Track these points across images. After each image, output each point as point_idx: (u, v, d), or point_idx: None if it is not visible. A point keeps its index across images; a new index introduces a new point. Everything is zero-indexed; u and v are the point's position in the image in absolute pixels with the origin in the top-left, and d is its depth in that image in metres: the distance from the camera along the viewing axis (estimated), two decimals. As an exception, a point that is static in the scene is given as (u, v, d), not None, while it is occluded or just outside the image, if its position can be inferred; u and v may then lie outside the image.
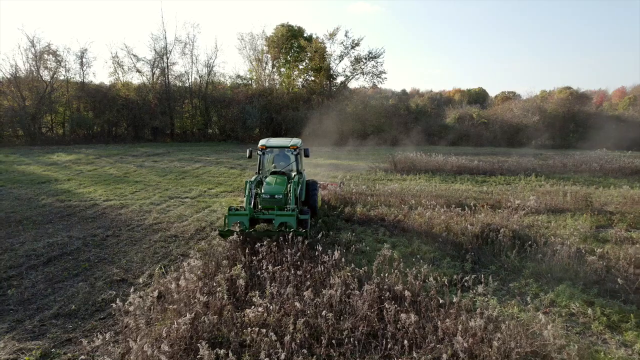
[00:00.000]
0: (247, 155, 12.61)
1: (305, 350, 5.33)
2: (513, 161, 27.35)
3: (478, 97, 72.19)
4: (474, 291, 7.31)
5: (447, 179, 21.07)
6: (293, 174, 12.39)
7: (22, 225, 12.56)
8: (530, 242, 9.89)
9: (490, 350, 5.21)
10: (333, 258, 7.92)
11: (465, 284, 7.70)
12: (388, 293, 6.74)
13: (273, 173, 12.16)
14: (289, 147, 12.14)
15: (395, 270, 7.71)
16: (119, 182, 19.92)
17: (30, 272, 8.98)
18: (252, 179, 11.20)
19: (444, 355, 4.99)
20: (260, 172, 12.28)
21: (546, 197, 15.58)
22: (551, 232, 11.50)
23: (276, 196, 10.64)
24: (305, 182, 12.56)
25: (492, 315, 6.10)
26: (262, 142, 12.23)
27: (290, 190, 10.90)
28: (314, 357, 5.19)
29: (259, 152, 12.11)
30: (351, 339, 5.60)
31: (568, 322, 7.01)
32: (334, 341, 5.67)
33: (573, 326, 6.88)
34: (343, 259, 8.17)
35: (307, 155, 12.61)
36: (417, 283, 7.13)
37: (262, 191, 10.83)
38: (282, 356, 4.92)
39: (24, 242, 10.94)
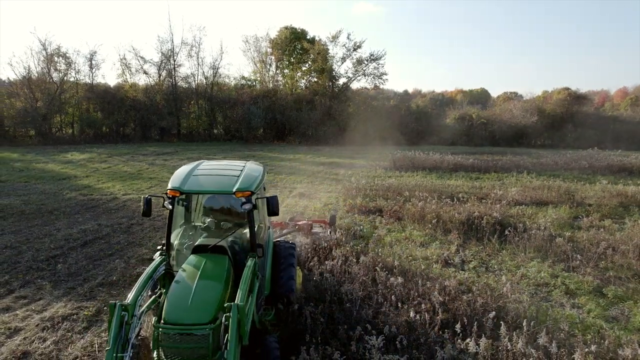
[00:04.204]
0: (142, 210, 5.92)
1: (312, 304, 6.63)
2: (507, 159, 28.63)
3: (480, 98, 73.34)
4: (456, 267, 8.62)
5: (442, 176, 22.33)
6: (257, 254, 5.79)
7: (53, 215, 13.91)
8: (510, 228, 11.16)
9: (460, 303, 6.51)
10: (334, 238, 9.23)
11: (449, 261, 9.00)
12: (381, 264, 8.03)
13: (197, 250, 5.64)
14: (232, 194, 5.61)
15: (388, 247, 9.00)
16: (134, 179, 21.27)
17: (71, 253, 10.33)
18: (140, 283, 4.98)
19: (423, 306, 6.29)
20: (172, 247, 6.01)
21: (532, 191, 16.85)
22: (531, 220, 12.76)
23: (195, 330, 4.51)
24: (270, 252, 6.77)
25: (464, 279, 7.39)
26: (175, 177, 5.89)
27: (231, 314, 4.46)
28: (320, 308, 6.49)
29: (167, 204, 5.58)
30: (349, 297, 6.90)
31: (534, 290, 8.29)
32: (335, 298, 6.99)
33: (538, 293, 8.17)
34: (344, 239, 9.48)
35: (274, 212, 5.83)
36: (405, 257, 8.43)
37: (163, 314, 4.64)
38: (296, 307, 6.24)
39: (59, 229, 12.28)
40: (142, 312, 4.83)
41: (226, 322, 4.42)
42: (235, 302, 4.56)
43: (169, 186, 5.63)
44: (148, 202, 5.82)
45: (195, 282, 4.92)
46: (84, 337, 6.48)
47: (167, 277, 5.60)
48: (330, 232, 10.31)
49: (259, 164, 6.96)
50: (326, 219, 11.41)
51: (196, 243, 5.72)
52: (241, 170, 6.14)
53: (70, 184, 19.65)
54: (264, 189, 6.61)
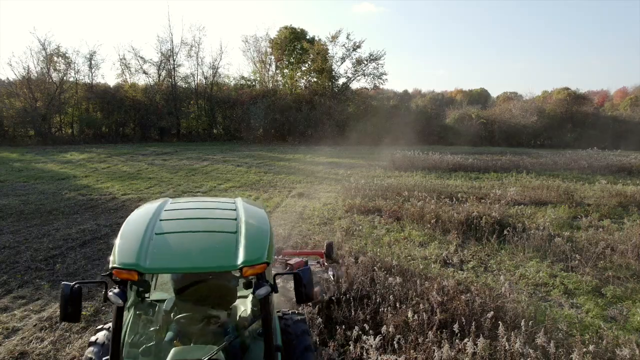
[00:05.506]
0: (61, 312, 3.00)
1: (310, 305, 6.62)
2: (507, 159, 28.64)
3: (480, 98, 73.48)
4: (454, 267, 8.62)
5: (442, 176, 22.33)
6: None
7: (52, 215, 13.90)
8: (509, 228, 11.15)
9: (458, 303, 6.51)
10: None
11: (447, 261, 9.01)
12: (379, 264, 8.03)
13: None
14: (237, 269, 2.98)
15: (387, 247, 9.00)
16: (133, 179, 21.26)
17: (70, 252, 10.32)
18: None
19: (421, 306, 6.29)
20: None
21: (531, 191, 16.86)
22: (530, 220, 12.75)
23: None
24: (279, 336, 4.07)
25: (462, 279, 7.39)
26: (127, 245, 3.09)
27: None
28: (317, 308, 6.48)
29: (113, 295, 2.83)
30: (347, 297, 6.90)
31: (533, 290, 8.29)
32: (333, 298, 6.99)
33: (537, 293, 8.16)
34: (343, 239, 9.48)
35: (307, 296, 3.29)
36: (404, 257, 8.43)
37: None
38: (293, 307, 6.21)
39: (58, 229, 12.27)
40: None
41: None
42: None
43: (117, 262, 2.93)
44: (74, 295, 2.99)
45: None
46: (82, 337, 6.47)
47: None
48: (333, 275, 7.51)
49: (258, 204, 4.46)
50: (322, 249, 8.68)
51: (168, 358, 3.16)
52: (235, 219, 3.57)
53: (70, 183, 19.64)
54: None
